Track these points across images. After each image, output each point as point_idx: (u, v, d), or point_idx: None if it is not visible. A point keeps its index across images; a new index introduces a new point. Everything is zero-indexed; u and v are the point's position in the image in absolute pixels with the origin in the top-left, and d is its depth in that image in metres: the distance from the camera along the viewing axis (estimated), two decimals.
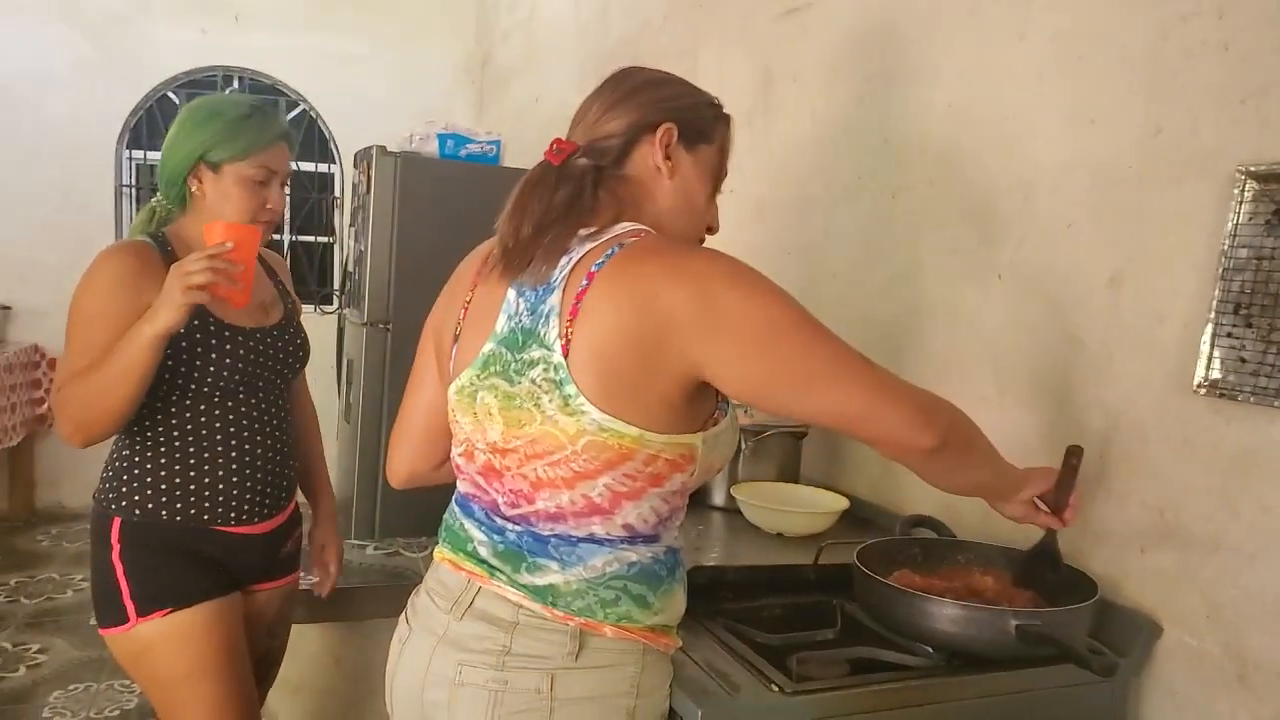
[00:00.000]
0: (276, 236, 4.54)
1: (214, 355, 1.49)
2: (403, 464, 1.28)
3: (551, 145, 1.09)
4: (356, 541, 2.30)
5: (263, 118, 1.56)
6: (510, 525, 1.07)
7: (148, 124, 4.64)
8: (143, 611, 1.48)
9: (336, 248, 4.91)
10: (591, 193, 1.06)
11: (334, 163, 4.86)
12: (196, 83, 4.63)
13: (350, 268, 3.30)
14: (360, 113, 4.65)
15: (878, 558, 1.39)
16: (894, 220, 1.91)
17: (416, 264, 3.04)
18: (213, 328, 1.50)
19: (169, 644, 1.48)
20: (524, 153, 3.42)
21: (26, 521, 4.39)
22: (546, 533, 1.04)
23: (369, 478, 3.12)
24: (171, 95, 4.64)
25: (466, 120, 4.64)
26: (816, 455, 2.05)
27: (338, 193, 4.83)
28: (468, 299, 1.13)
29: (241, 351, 1.52)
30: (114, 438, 1.53)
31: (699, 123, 1.14)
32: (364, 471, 3.12)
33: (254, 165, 1.52)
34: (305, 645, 1.83)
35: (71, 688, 2.90)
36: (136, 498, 1.51)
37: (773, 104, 2.33)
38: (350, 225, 3.39)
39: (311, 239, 4.92)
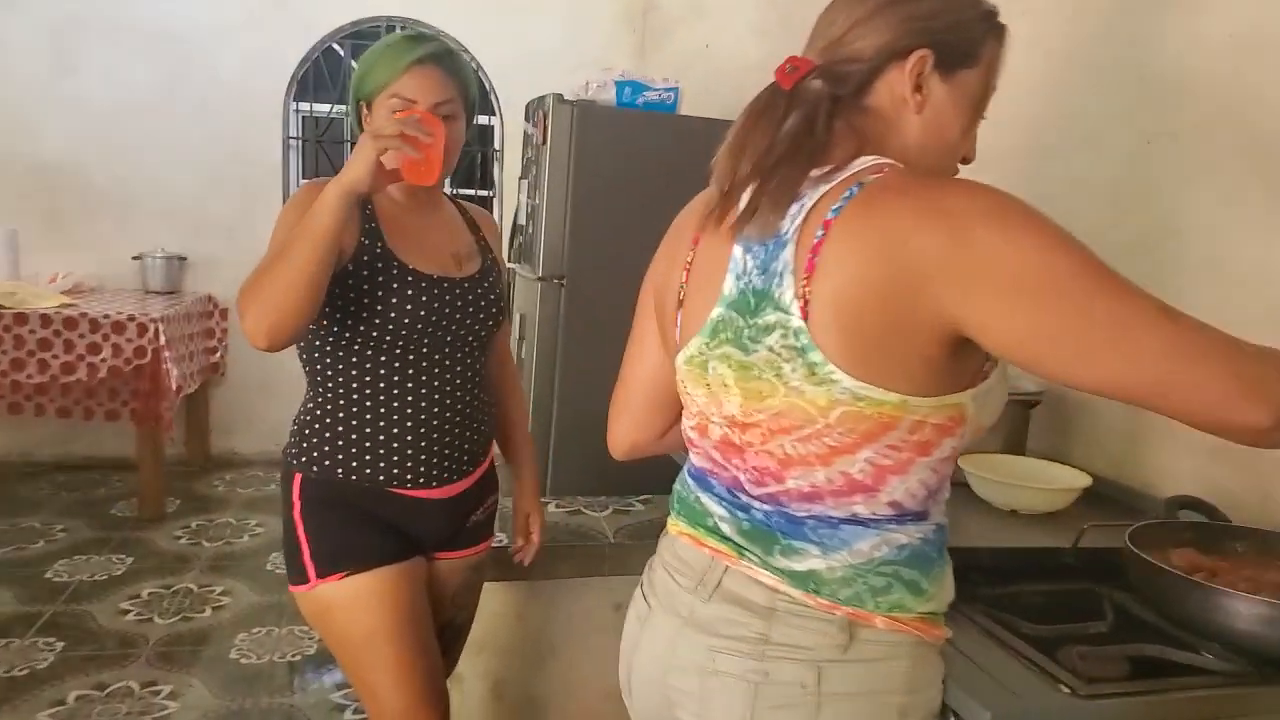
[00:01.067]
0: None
1: (394, 300, 1.40)
2: (625, 435, 1.20)
3: (784, 64, 0.93)
4: (515, 481, 2.22)
5: (400, 44, 1.43)
6: (757, 504, 0.97)
7: (314, 76, 4.66)
8: (322, 573, 1.43)
9: (496, 201, 4.86)
10: (825, 124, 0.91)
11: (493, 114, 4.79)
12: (361, 34, 4.62)
13: (522, 221, 3.21)
14: (519, 62, 4.56)
15: (1149, 543, 1.21)
16: (1149, 169, 1.67)
17: (593, 218, 2.91)
18: (395, 270, 1.41)
19: (347, 607, 1.43)
20: (695, 100, 3.26)
21: (202, 467, 4.57)
22: (801, 514, 0.93)
23: (542, 434, 3.05)
24: (336, 46, 4.65)
25: (628, 67, 4.47)
26: (1044, 426, 1.85)
27: (497, 145, 4.77)
28: (689, 258, 1.01)
29: (425, 299, 1.42)
30: (304, 392, 1.47)
31: (962, 44, 0.96)
32: (538, 428, 3.05)
33: (390, 96, 1.41)
34: (489, 603, 1.78)
35: (255, 630, 2.97)
36: (315, 454, 1.45)
37: None
38: (521, 178, 3.29)
39: (471, 193, 4.89)
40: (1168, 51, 1.64)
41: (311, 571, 1.44)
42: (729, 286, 0.94)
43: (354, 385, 1.43)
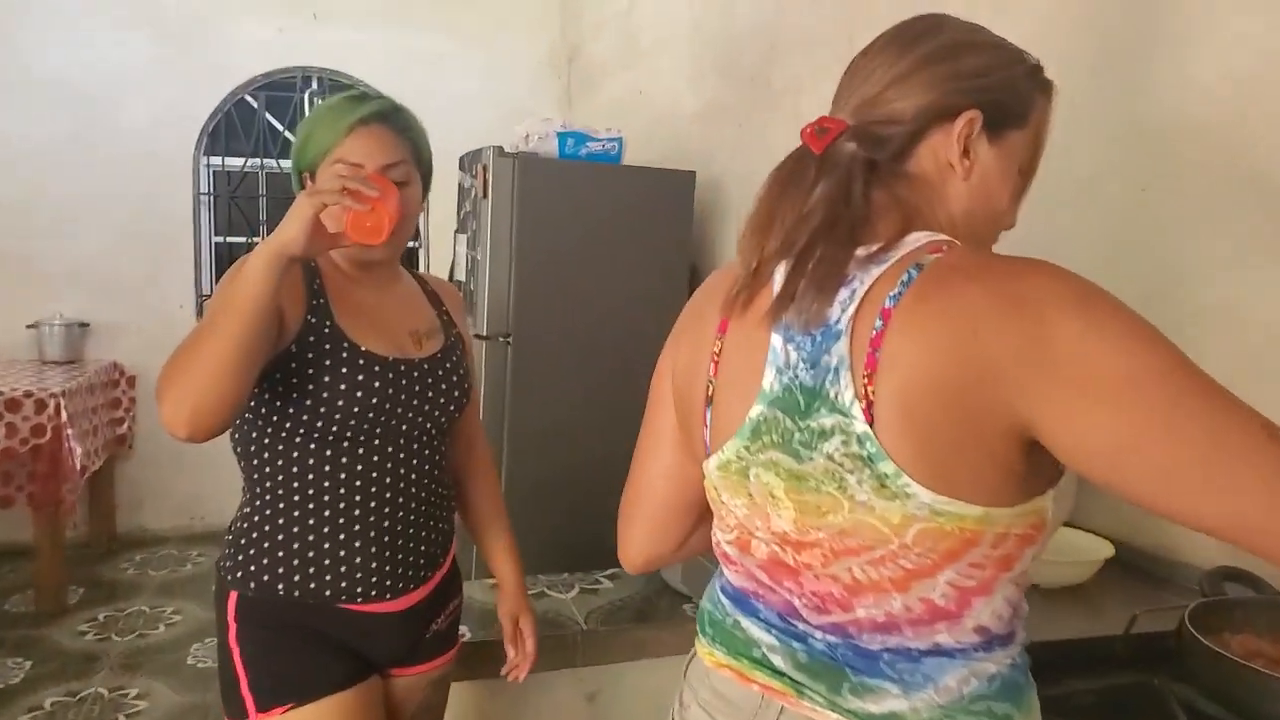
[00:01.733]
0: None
1: (343, 386, 1.23)
2: (640, 548, 1.05)
3: (813, 125, 0.83)
4: (493, 580, 2.07)
5: (342, 104, 1.29)
6: (816, 632, 0.84)
7: (226, 129, 4.44)
8: (263, 705, 1.26)
9: (423, 253, 4.69)
10: (863, 193, 0.81)
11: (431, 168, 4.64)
12: (275, 84, 4.43)
13: (461, 276, 3.06)
14: (442, 111, 4.39)
15: (1203, 626, 1.12)
16: (1147, 216, 1.63)
17: (539, 272, 2.80)
18: (345, 351, 1.25)
19: None
20: (632, 149, 3.19)
21: (108, 549, 4.21)
22: (875, 647, 0.81)
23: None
24: (249, 98, 4.44)
25: (555, 114, 4.40)
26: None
27: None
28: (716, 347, 0.89)
29: (378, 384, 1.26)
30: (239, 499, 1.31)
31: (1012, 103, 0.87)
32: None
33: (334, 161, 1.26)
34: (452, 702, 1.61)
35: None
36: (252, 568, 1.28)
37: None
38: (458, 231, 3.15)
39: None
40: (1158, 97, 1.61)
41: (250, 705, 1.26)
42: (770, 382, 0.82)
43: (295, 484, 1.27)
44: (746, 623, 0.90)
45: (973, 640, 0.80)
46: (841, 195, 0.80)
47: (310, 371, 1.23)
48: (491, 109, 4.32)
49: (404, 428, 1.31)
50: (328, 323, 1.25)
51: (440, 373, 1.36)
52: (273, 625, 1.29)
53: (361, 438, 1.27)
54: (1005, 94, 0.86)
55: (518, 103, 4.44)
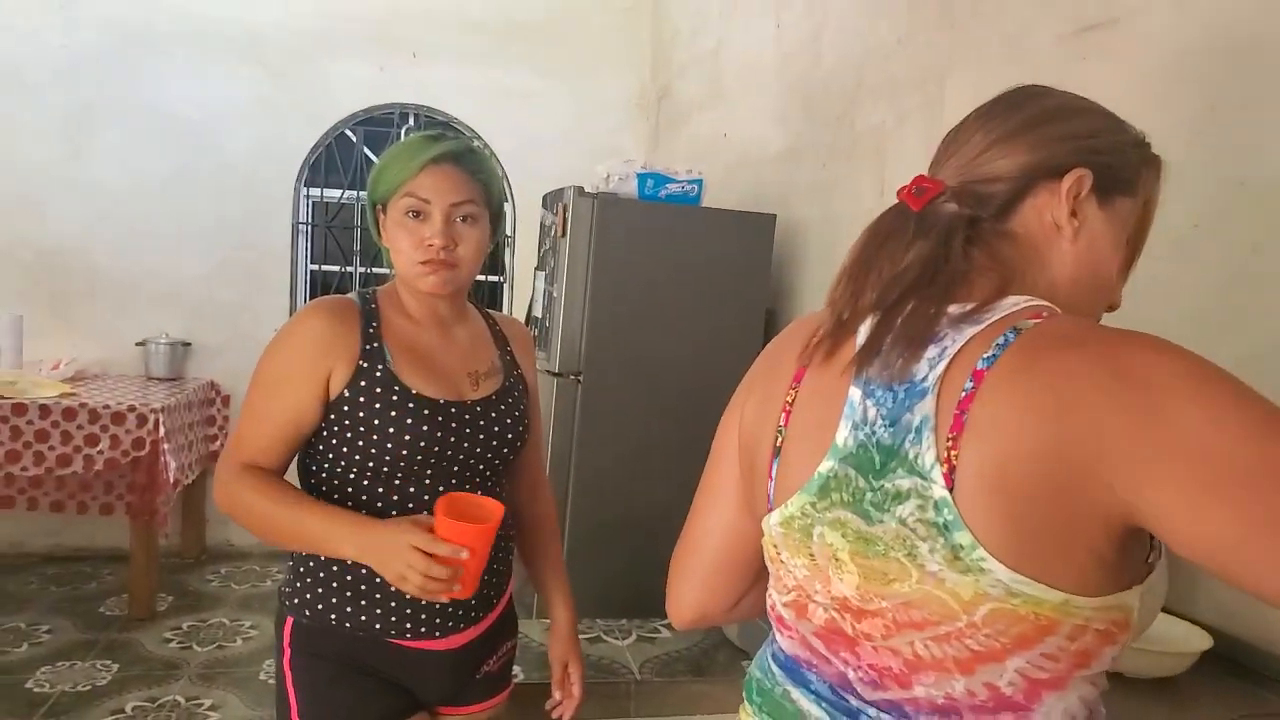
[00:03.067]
0: None
1: (392, 430, 1.27)
2: (691, 603, 1.01)
3: (912, 184, 0.82)
4: (549, 621, 2.07)
5: (417, 143, 1.34)
6: (870, 709, 0.80)
7: (325, 162, 4.63)
8: None
9: (506, 288, 4.78)
10: (962, 252, 0.79)
11: (506, 202, 4.75)
12: (374, 120, 4.60)
13: (538, 313, 3.11)
14: (532, 148, 4.54)
15: None
16: (1250, 280, 1.54)
17: (613, 312, 2.83)
18: (396, 395, 1.28)
19: None
20: (713, 191, 3.19)
21: (196, 560, 4.39)
22: None
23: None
24: (349, 133, 4.63)
25: (640, 155, 4.45)
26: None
27: (509, 230, 4.71)
28: (789, 397, 0.86)
29: (426, 427, 1.29)
30: None
31: (1121, 168, 0.84)
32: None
33: (403, 196, 1.32)
34: None
35: None
36: (308, 595, 1.33)
37: None
38: (538, 269, 3.20)
39: (482, 278, 4.81)
40: (1273, 152, 1.54)
41: None
42: (844, 437, 0.79)
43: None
44: (796, 694, 0.87)
45: None
46: (942, 254, 0.77)
47: (362, 415, 1.28)
48: (580, 148, 4.40)
49: (456, 468, 1.33)
50: (380, 367, 1.30)
51: (494, 414, 1.37)
52: (325, 654, 1.32)
53: (413, 476, 1.31)
54: (1114, 158, 0.83)
55: (606, 142, 4.51)
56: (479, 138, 4.65)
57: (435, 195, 1.31)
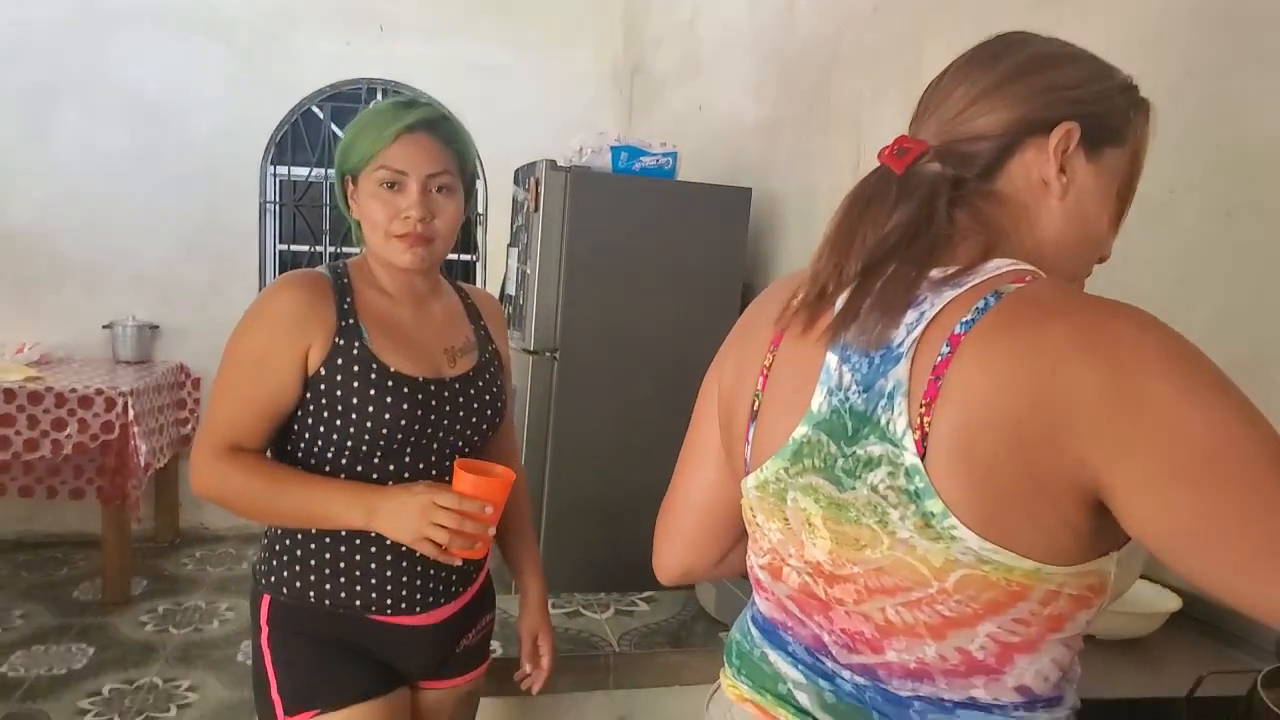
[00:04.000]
0: None
1: (371, 408, 1.24)
2: (676, 561, 1.02)
3: (893, 145, 0.79)
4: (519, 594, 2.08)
5: (388, 111, 1.28)
6: (845, 672, 0.80)
7: (292, 139, 4.55)
8: (290, 710, 1.28)
9: (480, 266, 4.74)
10: (946, 214, 0.76)
11: (478, 177, 4.69)
12: (341, 95, 4.53)
13: (511, 290, 3.08)
14: (503, 123, 4.48)
15: (1278, 691, 1.03)
16: (1226, 245, 1.55)
17: (588, 288, 2.80)
18: (374, 373, 1.25)
19: None
20: (689, 164, 3.17)
21: (171, 543, 4.34)
22: (905, 694, 0.76)
23: (532, 518, 2.90)
24: (316, 109, 4.55)
25: (615, 128, 4.41)
26: None
27: (480, 208, 4.66)
28: (766, 361, 0.85)
29: (406, 405, 1.26)
30: None
31: (1111, 117, 0.81)
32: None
33: (377, 168, 1.26)
34: (480, 718, 1.61)
35: None
36: (285, 574, 1.30)
37: None
38: (511, 245, 3.17)
39: (454, 257, 4.77)
40: (1250, 115, 1.53)
41: (279, 709, 1.28)
42: (819, 402, 0.77)
43: None
44: (774, 656, 0.87)
45: (1013, 699, 0.75)
46: (924, 214, 0.75)
47: (339, 393, 1.25)
48: (554, 123, 4.35)
49: (435, 445, 1.31)
50: (356, 343, 1.26)
51: (472, 391, 1.35)
52: (303, 631, 1.31)
53: (392, 454, 1.28)
54: (1102, 107, 0.80)
55: (580, 116, 4.46)
56: (448, 112, 4.59)
57: (411, 166, 1.26)
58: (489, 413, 1.38)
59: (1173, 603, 1.43)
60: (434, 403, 1.29)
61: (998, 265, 0.74)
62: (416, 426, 1.27)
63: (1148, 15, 1.72)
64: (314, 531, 1.29)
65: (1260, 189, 1.50)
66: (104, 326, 4.22)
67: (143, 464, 3.56)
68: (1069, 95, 0.79)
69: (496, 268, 4.43)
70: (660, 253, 2.82)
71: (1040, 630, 0.72)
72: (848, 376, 0.76)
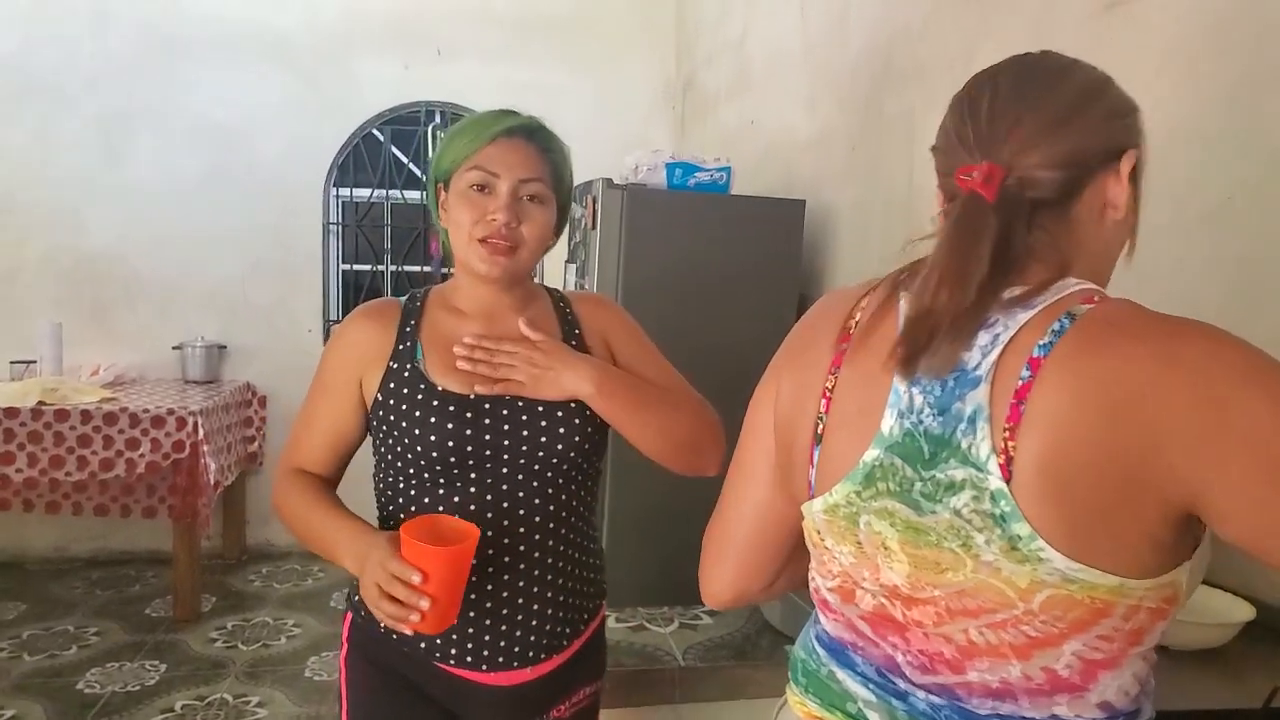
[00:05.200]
0: None
1: (418, 430, 1.19)
2: (728, 584, 1.00)
3: (973, 173, 0.78)
4: (616, 615, 2.05)
5: (488, 116, 1.27)
6: (919, 692, 0.81)
7: (354, 161, 4.66)
8: None
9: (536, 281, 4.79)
10: (1023, 237, 0.78)
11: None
12: (400, 118, 4.62)
13: None
14: None
15: None
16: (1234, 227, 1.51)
17: (646, 302, 2.81)
18: (421, 394, 1.21)
19: None
20: (742, 178, 3.17)
21: (238, 560, 4.44)
22: (985, 712, 0.77)
23: (614, 532, 2.91)
24: (376, 132, 4.65)
25: (667, 144, 4.43)
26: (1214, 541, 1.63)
27: None
28: (829, 383, 0.84)
29: (452, 425, 1.19)
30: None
31: (1141, 139, 0.85)
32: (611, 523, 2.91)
33: (469, 169, 1.23)
34: None
35: None
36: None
37: None
38: (568, 262, 3.21)
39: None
40: None
41: None
42: (890, 425, 0.78)
43: (398, 521, 1.23)
44: (842, 675, 0.87)
45: (1095, 716, 0.75)
46: (1006, 244, 0.76)
47: (393, 417, 1.22)
48: (607, 140, 4.37)
49: (504, 472, 1.21)
50: (409, 365, 1.24)
51: (542, 409, 1.23)
52: (376, 659, 1.27)
53: (457, 484, 1.21)
54: (1140, 130, 0.84)
55: (633, 133, 4.49)
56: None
57: (504, 169, 1.23)
58: (564, 431, 1.23)
59: (1246, 612, 1.39)
60: (488, 420, 1.21)
61: (1064, 285, 0.76)
62: (469, 446, 1.20)
63: (1200, 25, 1.68)
64: None
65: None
66: (174, 347, 4.35)
67: (212, 482, 3.65)
68: (1126, 124, 0.83)
69: (553, 283, 4.48)
70: (716, 266, 2.82)
71: (1123, 645, 0.74)
72: (919, 399, 0.76)
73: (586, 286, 2.88)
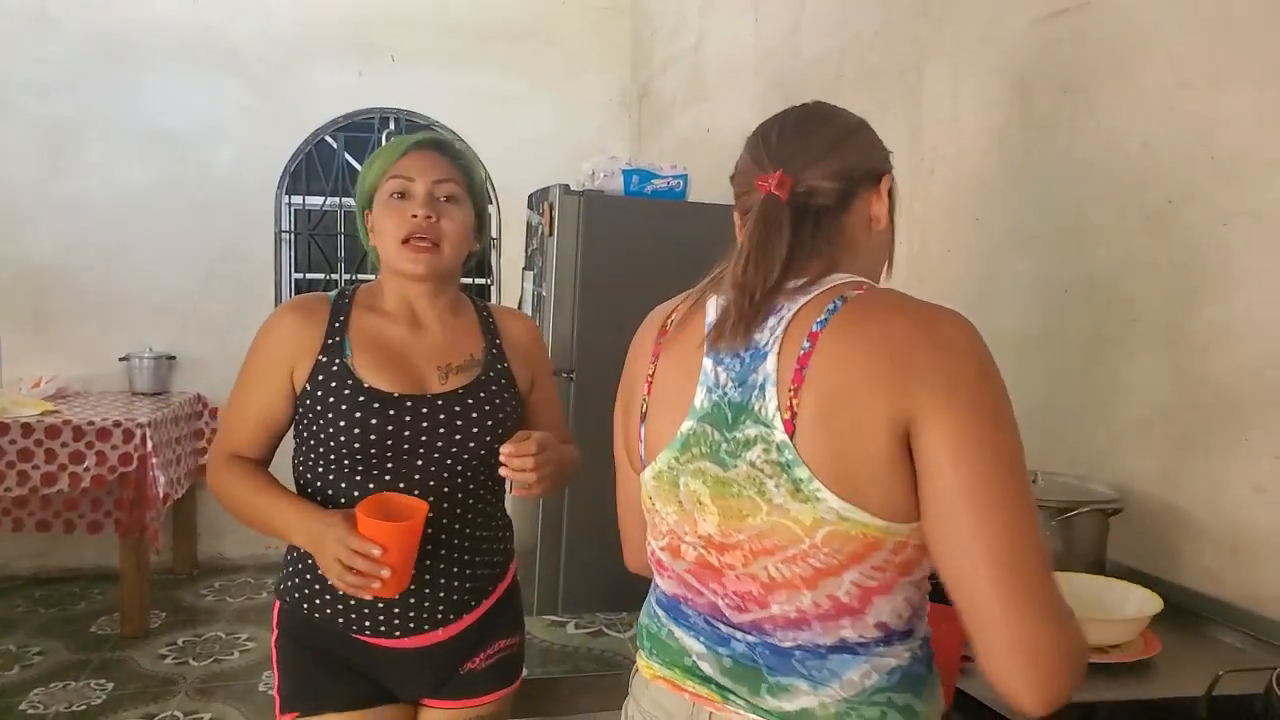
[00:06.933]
0: None
1: (343, 423, 1.29)
2: (630, 557, 1.19)
3: (770, 178, 0.95)
4: (554, 618, 2.07)
5: (400, 138, 1.42)
6: (739, 633, 0.93)
7: (306, 169, 4.61)
8: (282, 709, 1.36)
9: (494, 290, 4.77)
10: (810, 239, 0.95)
11: (490, 202, 4.73)
12: (354, 125, 4.58)
13: (529, 313, 3.10)
14: (515, 150, 4.53)
15: None
16: (1228, 251, 1.55)
17: (603, 309, 2.81)
18: (349, 388, 1.31)
19: None
20: (699, 186, 3.19)
21: (189, 575, 4.35)
22: (788, 644, 0.90)
23: (553, 545, 2.89)
24: (329, 139, 4.60)
25: (624, 152, 4.44)
26: (1127, 536, 1.67)
27: (495, 232, 4.70)
28: (650, 371, 1.01)
29: (375, 420, 1.29)
30: None
31: (891, 170, 1.05)
32: (547, 530, 2.89)
33: (388, 180, 1.37)
34: None
35: None
36: (289, 584, 1.38)
37: (1033, 120, 2.00)
38: (526, 269, 3.20)
39: (469, 281, 4.80)
40: (1234, 130, 1.55)
41: (276, 707, 1.36)
42: (701, 399, 0.93)
43: (318, 502, 1.34)
44: (679, 632, 0.98)
45: (874, 635, 0.88)
46: (799, 241, 0.93)
47: (319, 408, 1.32)
48: (564, 148, 4.39)
49: (420, 463, 1.32)
50: (337, 361, 1.33)
51: (458, 408, 1.34)
52: (302, 638, 1.37)
53: (374, 471, 1.31)
54: (891, 165, 1.04)
55: (590, 142, 4.50)
56: (461, 140, 4.64)
57: (418, 173, 1.35)
58: (476, 430, 1.35)
59: (1153, 606, 1.36)
60: (409, 418, 1.31)
61: (837, 277, 0.92)
62: (390, 441, 1.30)
63: (1141, 30, 1.73)
64: None
65: (1256, 196, 1.51)
66: (120, 359, 4.25)
67: (161, 495, 3.57)
68: (883, 154, 1.03)
69: (510, 291, 4.46)
70: (673, 273, 2.80)
71: (894, 574, 0.87)
72: (722, 375, 0.92)
73: (544, 294, 2.88)
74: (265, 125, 4.42)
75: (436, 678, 1.39)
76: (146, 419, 3.58)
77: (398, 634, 1.34)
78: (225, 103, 4.38)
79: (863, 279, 0.93)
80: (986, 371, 0.84)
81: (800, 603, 0.88)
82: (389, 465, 1.31)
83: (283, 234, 4.56)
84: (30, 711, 3.00)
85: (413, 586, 1.30)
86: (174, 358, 4.35)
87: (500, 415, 1.38)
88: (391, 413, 1.30)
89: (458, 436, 1.34)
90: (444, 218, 1.36)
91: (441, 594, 1.35)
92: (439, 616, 1.35)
